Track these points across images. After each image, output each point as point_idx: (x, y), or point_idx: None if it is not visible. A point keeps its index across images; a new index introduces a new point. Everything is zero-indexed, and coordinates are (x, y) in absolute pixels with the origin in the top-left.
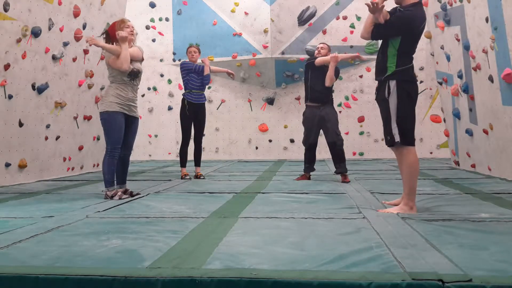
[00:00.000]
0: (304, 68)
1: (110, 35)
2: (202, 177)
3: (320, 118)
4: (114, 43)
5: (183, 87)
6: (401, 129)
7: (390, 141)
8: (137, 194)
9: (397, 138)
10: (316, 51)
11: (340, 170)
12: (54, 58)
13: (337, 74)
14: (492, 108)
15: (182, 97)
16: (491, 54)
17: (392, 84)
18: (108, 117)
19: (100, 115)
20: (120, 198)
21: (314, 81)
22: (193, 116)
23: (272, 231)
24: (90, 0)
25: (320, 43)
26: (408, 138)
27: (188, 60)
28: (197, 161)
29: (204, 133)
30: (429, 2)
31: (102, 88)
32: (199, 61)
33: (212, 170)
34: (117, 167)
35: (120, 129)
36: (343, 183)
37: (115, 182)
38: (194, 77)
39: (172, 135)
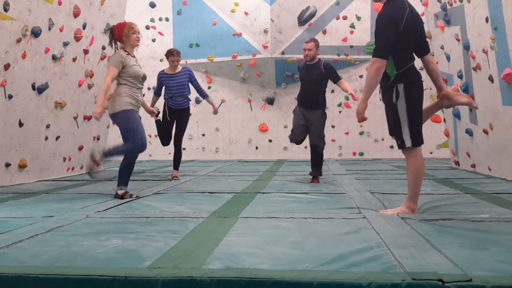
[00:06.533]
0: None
1: (116, 35)
2: (176, 179)
3: (306, 118)
4: (115, 43)
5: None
6: (412, 132)
7: (401, 145)
8: (136, 196)
9: (408, 142)
10: (305, 54)
11: (316, 173)
12: (54, 58)
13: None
14: (492, 108)
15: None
16: (491, 54)
17: (401, 88)
18: (129, 115)
19: (116, 117)
20: (130, 196)
21: (303, 86)
22: (172, 121)
23: (272, 231)
24: (90, 0)
25: (306, 42)
26: (418, 139)
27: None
28: (176, 164)
29: (204, 133)
30: (429, 2)
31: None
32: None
33: (212, 170)
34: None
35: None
36: (311, 183)
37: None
38: (170, 84)
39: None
